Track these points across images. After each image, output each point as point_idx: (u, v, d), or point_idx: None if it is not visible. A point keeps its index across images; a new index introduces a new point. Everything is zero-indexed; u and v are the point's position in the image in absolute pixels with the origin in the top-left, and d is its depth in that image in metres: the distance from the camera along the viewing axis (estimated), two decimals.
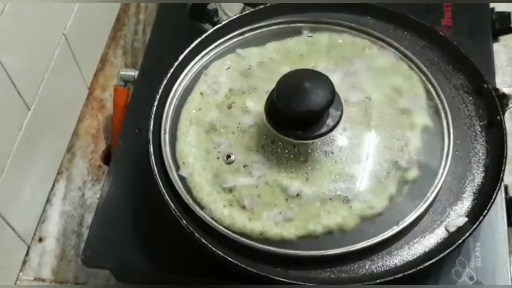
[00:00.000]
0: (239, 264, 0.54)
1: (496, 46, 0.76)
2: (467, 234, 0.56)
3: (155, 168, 0.59)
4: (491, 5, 0.79)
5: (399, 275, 0.54)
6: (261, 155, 0.59)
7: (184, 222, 0.56)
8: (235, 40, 0.69)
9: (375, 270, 0.56)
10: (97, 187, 0.78)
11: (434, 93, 0.64)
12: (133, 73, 0.77)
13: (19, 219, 0.71)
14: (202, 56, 0.67)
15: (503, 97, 0.63)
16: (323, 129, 0.58)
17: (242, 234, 0.56)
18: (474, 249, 0.61)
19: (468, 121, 0.64)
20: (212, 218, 0.57)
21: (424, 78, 0.65)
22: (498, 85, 0.66)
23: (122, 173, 0.67)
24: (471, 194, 0.60)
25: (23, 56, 0.67)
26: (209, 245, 0.55)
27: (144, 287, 0.69)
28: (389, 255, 0.57)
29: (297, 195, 0.57)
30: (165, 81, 0.65)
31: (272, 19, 0.70)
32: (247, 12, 0.71)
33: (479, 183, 0.60)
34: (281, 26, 0.69)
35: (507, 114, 0.64)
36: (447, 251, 0.55)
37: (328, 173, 0.58)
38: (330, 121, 0.58)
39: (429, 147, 0.61)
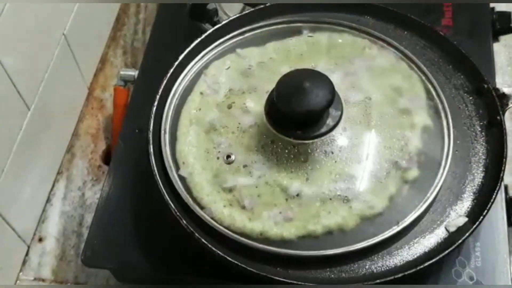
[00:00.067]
0: (239, 264, 0.54)
1: (496, 46, 0.76)
2: (467, 234, 0.56)
3: (155, 168, 0.59)
4: (491, 5, 0.79)
5: (399, 275, 0.54)
6: (261, 155, 0.59)
7: (184, 222, 0.56)
8: (235, 40, 0.69)
9: (375, 270, 0.56)
10: (97, 187, 0.78)
11: (434, 93, 0.64)
12: (133, 73, 0.77)
13: (19, 219, 0.71)
14: (202, 56, 0.67)
15: (503, 97, 0.63)
16: (323, 129, 0.58)
17: (242, 234, 0.56)
18: (474, 249, 0.61)
19: (468, 121, 0.64)
20: (212, 218, 0.57)
21: (424, 78, 0.65)
22: (498, 85, 0.66)
23: (122, 173, 0.67)
24: (471, 194, 0.60)
25: (23, 56, 0.67)
26: (209, 245, 0.55)
27: (144, 287, 0.69)
28: (389, 255, 0.57)
29: (297, 195, 0.57)
30: (165, 81, 0.65)
31: (272, 19, 0.70)
32: (247, 12, 0.71)
33: (479, 183, 0.60)
34: (281, 26, 0.69)
35: (507, 114, 0.64)
36: (447, 251, 0.55)
37: (328, 173, 0.58)
38: (330, 121, 0.58)
39: (429, 147, 0.61)
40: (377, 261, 0.57)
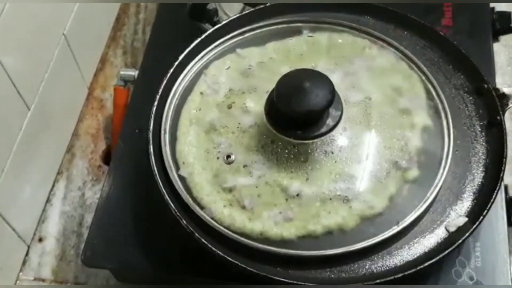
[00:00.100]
0: (239, 264, 0.54)
1: (496, 46, 0.76)
2: (467, 234, 0.56)
3: (155, 168, 0.59)
4: (491, 5, 0.79)
5: (399, 275, 0.54)
6: (261, 155, 0.59)
7: (184, 222, 0.56)
8: (235, 40, 0.69)
9: (375, 270, 0.56)
10: (97, 187, 0.78)
11: (434, 93, 0.64)
12: (133, 73, 0.77)
13: (19, 219, 0.71)
14: (202, 56, 0.67)
15: (503, 97, 0.63)
16: (323, 129, 0.58)
17: (242, 234, 0.56)
18: (474, 249, 0.61)
19: (468, 121, 0.64)
20: (212, 218, 0.57)
21: (424, 78, 0.65)
22: (498, 85, 0.66)
23: (122, 173, 0.67)
24: (471, 194, 0.60)
25: (23, 56, 0.67)
26: (209, 245, 0.55)
27: (144, 287, 0.69)
28: (389, 255, 0.57)
29: (297, 195, 0.57)
30: (165, 81, 0.65)
31: (272, 19, 0.70)
32: (247, 12, 0.71)
33: (479, 183, 0.60)
34: (281, 26, 0.69)
35: (507, 114, 0.64)
36: (447, 251, 0.55)
37: (328, 173, 0.58)
38: (330, 121, 0.58)
39: (429, 147, 0.61)
40: (377, 261, 0.57)
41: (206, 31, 0.68)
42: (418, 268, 0.54)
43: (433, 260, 0.55)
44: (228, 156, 0.60)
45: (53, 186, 0.79)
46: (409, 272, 0.54)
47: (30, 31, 0.68)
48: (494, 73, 0.71)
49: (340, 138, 0.59)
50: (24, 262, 0.73)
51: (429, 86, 0.64)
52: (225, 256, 0.54)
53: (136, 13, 0.94)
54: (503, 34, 0.78)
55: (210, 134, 0.62)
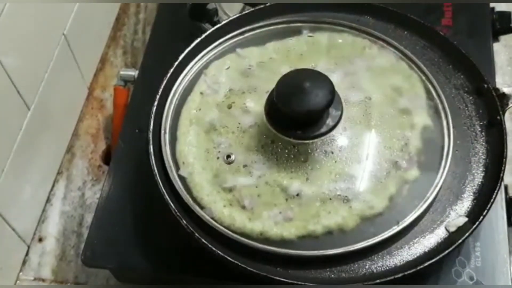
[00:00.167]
0: (239, 264, 0.54)
1: (496, 46, 0.76)
2: (467, 234, 0.56)
3: (155, 168, 0.59)
4: (491, 5, 0.79)
5: (399, 275, 0.54)
6: (261, 155, 0.59)
7: (184, 222, 0.56)
8: (235, 40, 0.69)
9: (375, 270, 0.56)
10: (97, 187, 0.78)
11: (434, 93, 0.64)
12: (133, 73, 0.77)
13: (19, 219, 0.71)
14: (202, 56, 0.67)
15: (503, 97, 0.63)
16: (323, 129, 0.58)
17: (242, 234, 0.56)
18: (474, 249, 0.61)
19: (468, 121, 0.64)
20: (212, 218, 0.57)
21: (424, 78, 0.65)
22: (498, 85, 0.66)
23: (122, 173, 0.67)
24: (471, 194, 0.60)
25: (23, 56, 0.67)
26: (209, 245, 0.55)
27: (144, 287, 0.69)
28: (389, 255, 0.57)
29: (297, 195, 0.57)
30: (165, 81, 0.65)
31: (272, 19, 0.70)
32: (247, 12, 0.71)
33: (479, 183, 0.60)
34: (281, 26, 0.69)
35: (507, 114, 0.64)
36: (447, 251, 0.55)
37: (328, 173, 0.58)
38: (330, 121, 0.58)
39: (429, 147, 0.61)
40: (377, 261, 0.57)
41: (206, 31, 0.68)
42: (418, 268, 0.54)
43: (433, 260, 0.55)
44: (228, 156, 0.60)
45: (53, 186, 0.79)
46: (409, 272, 0.54)
47: (30, 31, 0.68)
48: (494, 73, 0.71)
49: (340, 138, 0.59)
50: (24, 262, 0.73)
51: (429, 86, 0.64)
52: (225, 256, 0.54)
53: (136, 13, 0.94)
54: (503, 34, 0.78)
55: (210, 134, 0.62)
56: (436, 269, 0.59)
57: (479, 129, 0.63)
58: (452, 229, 0.58)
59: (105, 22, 0.91)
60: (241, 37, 0.69)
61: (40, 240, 0.75)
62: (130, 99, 0.75)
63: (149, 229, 0.63)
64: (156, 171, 0.59)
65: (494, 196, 0.57)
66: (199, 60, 0.67)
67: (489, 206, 0.57)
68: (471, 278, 0.60)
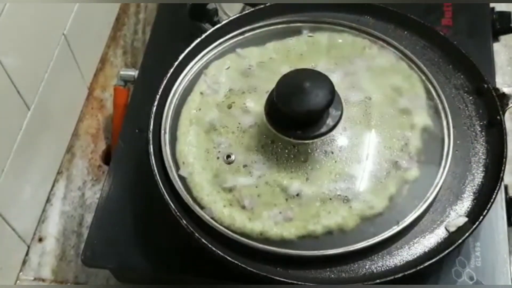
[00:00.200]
0: (239, 264, 0.54)
1: (496, 46, 0.76)
2: (467, 234, 0.56)
3: (155, 168, 0.59)
4: (491, 5, 0.79)
5: (399, 275, 0.54)
6: (261, 155, 0.59)
7: (184, 222, 0.56)
8: (235, 40, 0.69)
9: (375, 270, 0.56)
10: (97, 187, 0.78)
11: (434, 93, 0.64)
12: (133, 73, 0.77)
13: (19, 219, 0.71)
14: (202, 56, 0.67)
15: (503, 97, 0.63)
16: (323, 129, 0.58)
17: (242, 234, 0.56)
18: (474, 249, 0.61)
19: (468, 121, 0.64)
20: (212, 218, 0.57)
21: (424, 78, 0.65)
22: (498, 85, 0.66)
23: (122, 173, 0.67)
24: (471, 194, 0.60)
25: (23, 56, 0.67)
26: (209, 245, 0.55)
27: (144, 287, 0.69)
28: (389, 255, 0.57)
29: (297, 195, 0.57)
30: (165, 81, 0.65)
31: (272, 19, 0.70)
32: (247, 12, 0.71)
33: (479, 183, 0.60)
34: (281, 26, 0.69)
35: (507, 114, 0.64)
36: (447, 251, 0.55)
37: (328, 173, 0.58)
38: (330, 121, 0.58)
39: (429, 147, 0.61)
40: (377, 261, 0.57)
41: (206, 31, 0.68)
42: (418, 268, 0.54)
43: (433, 260, 0.55)
44: (228, 156, 0.60)
45: (53, 186, 0.79)
46: (409, 272, 0.54)
47: (30, 31, 0.68)
48: (494, 73, 0.71)
49: (340, 138, 0.59)
50: (24, 262, 0.73)
51: (429, 86, 0.64)
52: (225, 256, 0.54)
53: (136, 13, 0.94)
54: (503, 34, 0.78)
55: (210, 134, 0.62)
56: (436, 269, 0.59)
57: (479, 129, 0.63)
58: (452, 229, 0.58)
59: (105, 22, 0.91)
60: (241, 37, 0.69)
61: (40, 240, 0.75)
62: (130, 99, 0.75)
63: (149, 229, 0.63)
64: (156, 171, 0.59)
65: (494, 196, 0.57)
66: (199, 60, 0.67)
67: (489, 206, 0.57)
68: (471, 278, 0.60)
